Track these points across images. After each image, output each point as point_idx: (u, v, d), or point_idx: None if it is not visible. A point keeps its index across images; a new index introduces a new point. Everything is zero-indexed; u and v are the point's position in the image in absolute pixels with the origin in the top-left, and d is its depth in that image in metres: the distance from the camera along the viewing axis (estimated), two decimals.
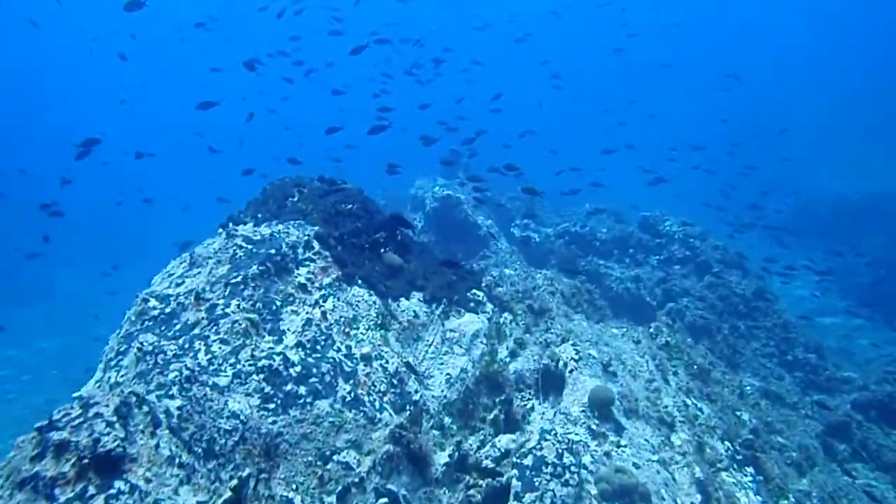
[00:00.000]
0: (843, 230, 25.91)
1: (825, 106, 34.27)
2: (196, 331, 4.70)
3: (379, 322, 5.49)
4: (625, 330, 7.29)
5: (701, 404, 5.86)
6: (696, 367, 6.75)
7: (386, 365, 5.14)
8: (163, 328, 4.88)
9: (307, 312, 5.16)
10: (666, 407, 5.52)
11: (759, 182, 26.72)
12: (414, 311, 5.90)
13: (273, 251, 5.33)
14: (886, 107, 30.55)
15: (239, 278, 5.06)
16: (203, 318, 4.81)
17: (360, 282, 5.74)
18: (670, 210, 17.83)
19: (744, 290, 11.96)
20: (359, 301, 5.57)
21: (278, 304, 5.10)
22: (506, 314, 6.90)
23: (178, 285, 5.28)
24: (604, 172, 20.44)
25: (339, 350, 5.02)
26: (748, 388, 8.44)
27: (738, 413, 6.59)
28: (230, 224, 6.32)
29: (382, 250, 6.35)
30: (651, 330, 7.47)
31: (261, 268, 5.16)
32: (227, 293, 4.98)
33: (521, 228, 15.82)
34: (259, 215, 6.20)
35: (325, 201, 6.41)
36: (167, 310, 5.04)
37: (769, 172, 27.71)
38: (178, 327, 4.80)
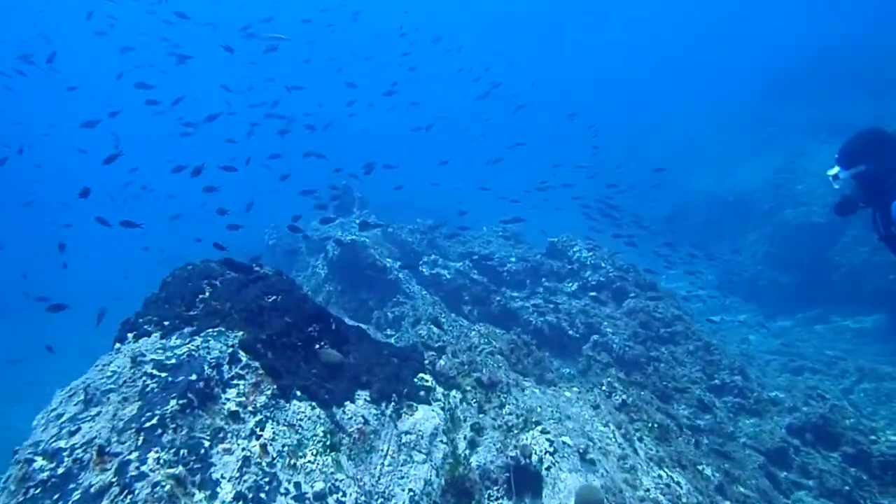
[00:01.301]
0: (717, 228, 27.85)
1: (693, 116, 37.01)
2: (104, 502, 3.72)
3: (327, 443, 4.72)
4: (577, 392, 6.95)
5: (676, 476, 5.60)
6: (656, 426, 6.53)
7: (344, 499, 4.39)
8: (56, 499, 3.84)
9: (243, 448, 4.30)
10: (647, 490, 5.19)
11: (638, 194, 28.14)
12: (363, 417, 5.17)
13: (194, 377, 4.42)
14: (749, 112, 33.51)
15: (155, 420, 4.11)
16: (112, 482, 3.83)
17: (298, 393, 4.94)
18: (557, 227, 18.22)
19: (662, 314, 12.19)
20: (301, 420, 4.76)
21: (207, 444, 4.19)
22: (454, 393, 6.32)
23: (71, 433, 4.21)
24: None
25: (287, 492, 4.21)
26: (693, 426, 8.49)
27: (699, 468, 6.44)
28: (129, 335, 5.27)
29: (318, 346, 5.56)
30: (604, 388, 7.19)
31: (181, 401, 4.24)
32: (140, 443, 4.02)
33: (429, 266, 15.33)
34: (166, 323, 5.20)
35: (244, 296, 5.53)
36: (59, 471, 3.99)
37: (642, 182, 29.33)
38: (77, 497, 3.79)
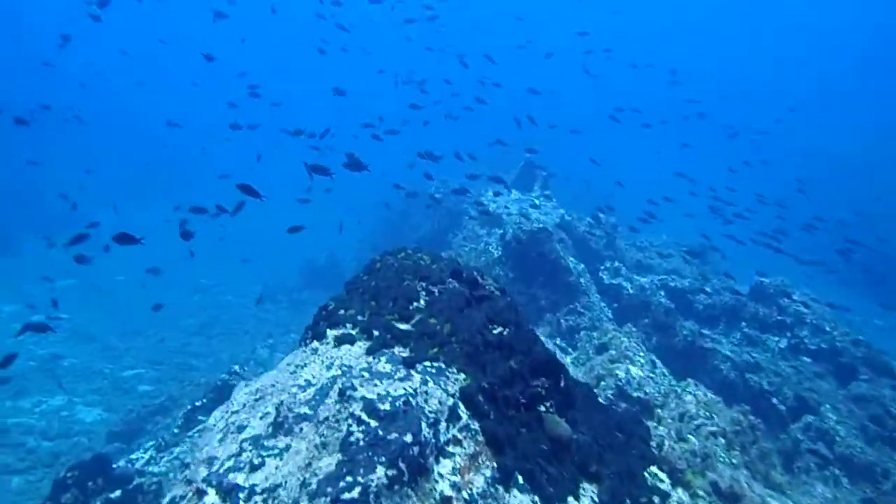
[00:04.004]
0: None
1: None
2: None
3: None
4: None
5: None
6: None
7: None
8: None
9: None
10: None
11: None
12: None
13: (409, 437, 3.33)
14: None
15: (356, 493, 3.07)
16: None
17: (520, 479, 3.74)
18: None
19: None
20: None
21: None
22: (681, 493, 4.86)
23: (253, 468, 3.33)
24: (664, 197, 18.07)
25: None
26: None
27: None
28: (328, 332, 4.35)
29: (543, 407, 4.33)
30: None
31: (390, 472, 3.18)
32: None
33: (611, 274, 13.66)
34: (374, 332, 4.20)
35: (467, 321, 4.39)
36: None
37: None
38: None
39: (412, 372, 3.80)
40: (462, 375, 3.98)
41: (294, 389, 3.79)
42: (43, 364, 14.99)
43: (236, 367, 10.39)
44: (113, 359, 16.05)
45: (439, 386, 3.76)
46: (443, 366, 3.97)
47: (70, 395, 13.80)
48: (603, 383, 8.24)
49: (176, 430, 8.65)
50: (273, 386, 3.88)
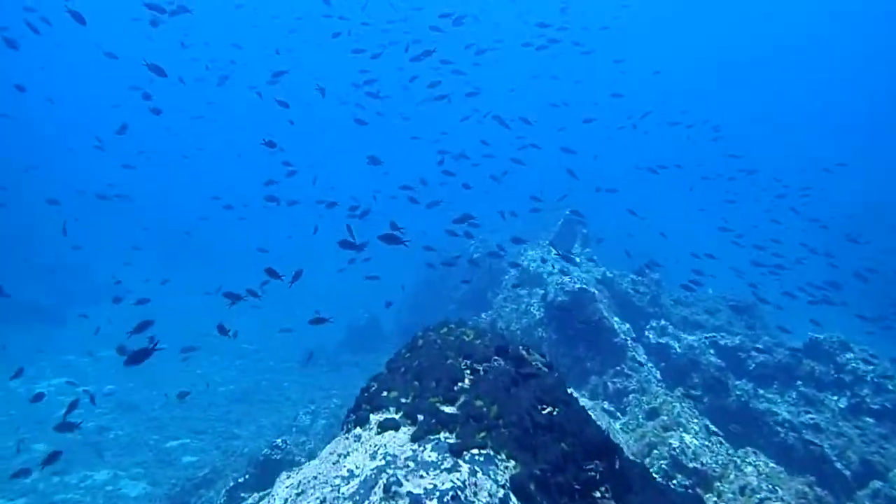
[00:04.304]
0: None
1: None
2: None
3: None
4: None
5: None
6: None
7: None
8: None
9: None
10: None
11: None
12: None
13: None
14: None
15: None
16: None
17: None
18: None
19: None
20: None
21: None
22: None
23: None
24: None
25: None
26: None
27: None
28: (371, 416, 4.25)
29: (599, 493, 4.10)
30: None
31: None
32: None
33: (657, 333, 13.25)
34: (419, 417, 4.08)
35: (514, 402, 4.24)
36: None
37: None
38: None
39: (459, 461, 3.66)
40: (512, 462, 3.81)
41: (337, 482, 3.68)
42: (88, 437, 15.15)
43: (278, 441, 10.29)
44: (157, 429, 16.13)
45: (489, 476, 3.60)
46: (491, 452, 3.81)
47: (115, 468, 13.85)
48: (656, 451, 7.87)
49: None
50: (315, 478, 3.77)
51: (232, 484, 9.04)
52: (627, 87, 34.61)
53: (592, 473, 4.15)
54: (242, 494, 8.53)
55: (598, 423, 7.07)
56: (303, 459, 11.36)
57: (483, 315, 14.59)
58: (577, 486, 4.01)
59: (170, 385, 18.96)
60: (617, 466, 4.37)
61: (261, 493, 8.26)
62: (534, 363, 4.76)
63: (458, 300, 20.98)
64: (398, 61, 23.51)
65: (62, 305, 26.01)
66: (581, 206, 19.08)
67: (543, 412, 4.30)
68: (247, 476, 9.07)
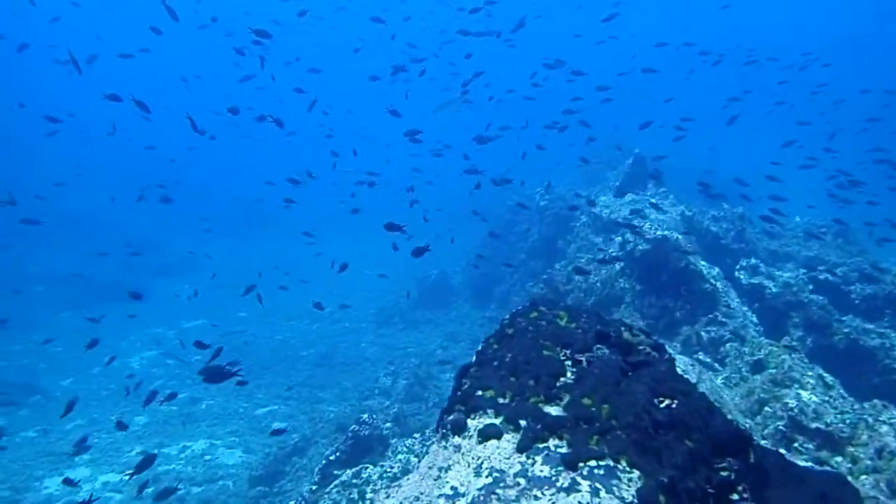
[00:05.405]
0: None
1: None
2: None
3: None
4: None
5: None
6: None
7: None
8: None
9: None
10: None
11: None
12: None
13: None
14: None
15: None
16: None
17: None
18: None
19: None
20: None
21: None
22: None
23: None
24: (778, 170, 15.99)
25: None
26: None
27: None
28: (469, 421, 3.87)
29: (737, 496, 3.60)
30: None
31: None
32: None
33: (749, 273, 12.34)
34: (521, 422, 3.66)
35: (628, 397, 3.75)
36: None
37: None
38: None
39: (577, 478, 3.22)
40: (636, 473, 3.34)
41: (441, 502, 3.33)
42: (182, 408, 15.78)
43: (364, 416, 10.25)
44: (246, 397, 16.64)
45: (613, 494, 3.16)
46: (611, 462, 3.35)
47: (210, 438, 14.40)
48: (767, 409, 7.25)
49: (314, 487, 8.62)
50: (417, 499, 3.44)
51: (324, 462, 9.11)
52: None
53: (726, 473, 3.65)
54: (335, 472, 8.57)
55: (701, 382, 6.51)
56: (389, 427, 11.37)
57: (557, 266, 13.98)
58: (710, 490, 3.53)
59: (252, 353, 19.50)
60: (752, 460, 3.84)
61: (353, 470, 8.25)
62: (641, 347, 4.22)
63: (527, 250, 20.40)
64: None
65: (143, 280, 27.10)
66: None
67: (661, 406, 3.79)
68: (338, 454, 9.12)
